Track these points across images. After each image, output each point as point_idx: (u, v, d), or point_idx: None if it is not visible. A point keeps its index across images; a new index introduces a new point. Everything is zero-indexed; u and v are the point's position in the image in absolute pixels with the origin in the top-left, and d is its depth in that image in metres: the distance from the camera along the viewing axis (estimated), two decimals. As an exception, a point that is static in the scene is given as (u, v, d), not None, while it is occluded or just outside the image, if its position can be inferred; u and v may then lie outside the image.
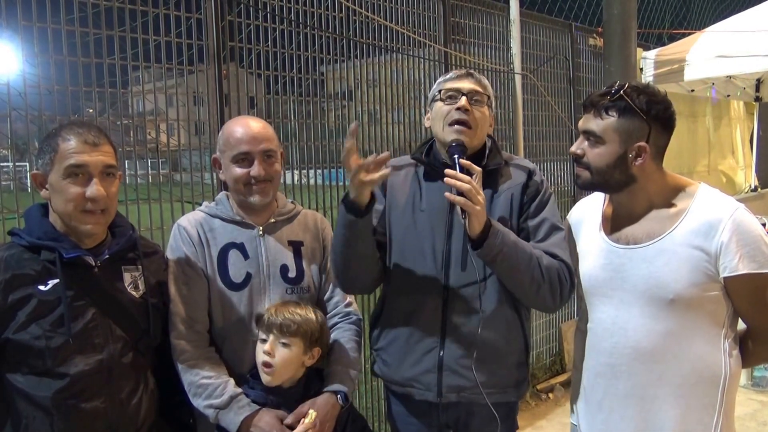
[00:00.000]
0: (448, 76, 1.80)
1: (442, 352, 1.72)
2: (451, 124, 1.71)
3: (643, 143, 1.57)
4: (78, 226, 1.52)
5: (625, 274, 1.62)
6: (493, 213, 1.71)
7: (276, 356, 1.64)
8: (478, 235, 1.59)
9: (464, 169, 1.60)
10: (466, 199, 1.55)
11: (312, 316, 1.70)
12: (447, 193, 1.59)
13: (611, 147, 1.58)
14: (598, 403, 1.69)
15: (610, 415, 1.66)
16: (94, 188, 1.48)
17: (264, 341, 1.66)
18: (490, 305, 1.71)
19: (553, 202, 1.78)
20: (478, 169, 1.62)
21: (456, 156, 1.64)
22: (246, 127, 1.77)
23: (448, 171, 1.58)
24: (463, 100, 1.70)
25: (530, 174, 1.78)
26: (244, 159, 1.74)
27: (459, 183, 1.55)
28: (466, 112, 1.70)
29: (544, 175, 1.88)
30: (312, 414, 1.63)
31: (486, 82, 1.81)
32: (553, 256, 1.68)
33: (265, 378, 1.66)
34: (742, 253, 1.50)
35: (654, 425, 1.60)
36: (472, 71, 1.82)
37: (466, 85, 1.74)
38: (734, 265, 1.50)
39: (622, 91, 1.57)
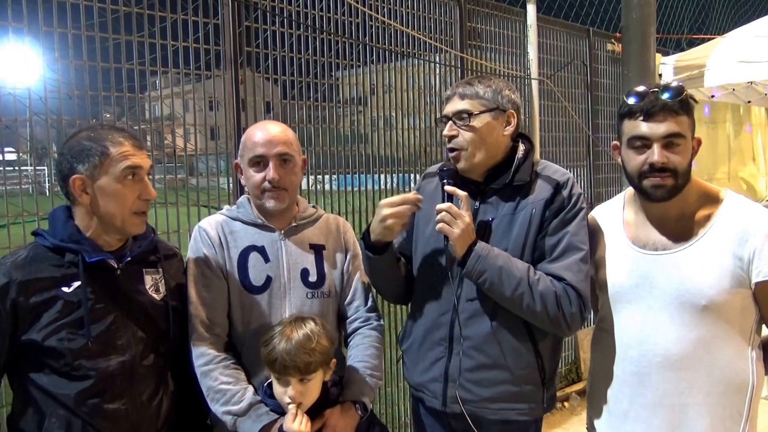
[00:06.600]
0: (445, 96, 1.80)
1: (448, 363, 1.72)
2: (449, 150, 1.75)
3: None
4: (128, 228, 1.55)
5: (653, 280, 1.59)
6: (511, 231, 1.68)
7: (303, 396, 1.56)
8: (462, 257, 1.62)
9: (450, 195, 1.65)
10: (444, 223, 1.61)
11: (321, 336, 1.58)
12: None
13: (688, 144, 1.56)
14: (624, 413, 1.65)
15: (636, 425, 1.63)
16: (149, 189, 1.55)
17: (279, 381, 1.57)
18: (494, 321, 1.68)
19: (580, 220, 1.67)
20: (462, 193, 1.65)
21: (443, 182, 1.69)
22: (264, 130, 1.77)
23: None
24: (446, 129, 1.73)
25: (557, 188, 1.68)
26: (259, 162, 1.74)
27: (440, 214, 1.62)
28: (451, 140, 1.72)
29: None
30: None
31: (481, 89, 1.70)
32: (560, 279, 1.62)
33: (293, 411, 1.57)
34: None
35: None
36: (466, 83, 1.75)
37: (451, 107, 1.73)
38: None
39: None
